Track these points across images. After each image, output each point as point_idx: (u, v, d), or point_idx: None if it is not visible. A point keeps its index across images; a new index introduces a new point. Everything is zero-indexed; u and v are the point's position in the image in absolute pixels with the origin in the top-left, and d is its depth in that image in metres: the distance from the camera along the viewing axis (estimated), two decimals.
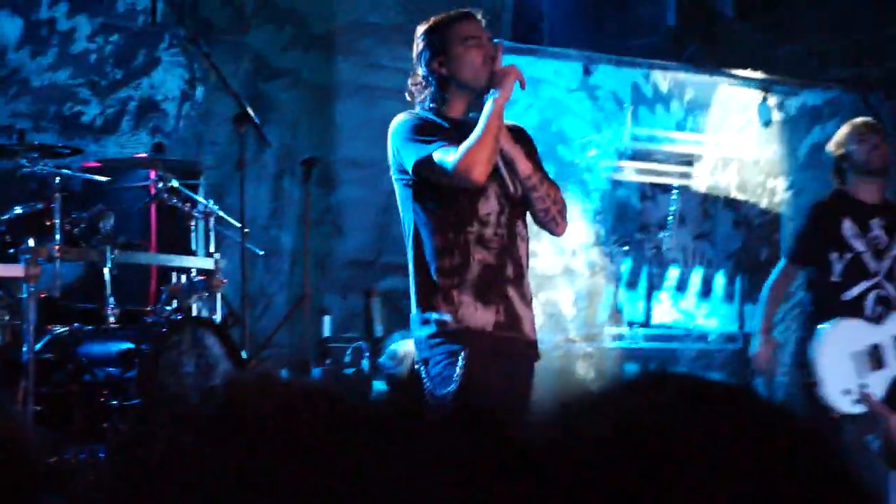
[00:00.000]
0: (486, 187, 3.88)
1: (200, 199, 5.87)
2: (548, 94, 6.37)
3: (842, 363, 5.33)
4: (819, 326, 5.34)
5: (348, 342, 6.95)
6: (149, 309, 5.61)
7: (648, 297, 6.47)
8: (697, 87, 6.77)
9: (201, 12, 7.29)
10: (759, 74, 6.92)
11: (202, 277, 5.68)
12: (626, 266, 6.45)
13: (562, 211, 3.99)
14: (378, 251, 7.77)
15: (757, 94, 6.88)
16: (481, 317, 3.84)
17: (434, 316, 3.85)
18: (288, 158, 7.41)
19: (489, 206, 3.90)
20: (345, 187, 7.78)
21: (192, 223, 5.85)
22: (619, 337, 6.35)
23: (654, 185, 6.58)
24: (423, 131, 3.90)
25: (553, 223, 3.99)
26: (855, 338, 5.38)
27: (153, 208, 5.96)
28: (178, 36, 7.21)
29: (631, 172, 6.55)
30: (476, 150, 3.75)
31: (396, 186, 4.02)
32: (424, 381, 3.92)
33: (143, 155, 5.99)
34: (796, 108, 6.92)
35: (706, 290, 6.56)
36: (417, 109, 4.06)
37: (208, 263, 5.65)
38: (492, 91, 3.89)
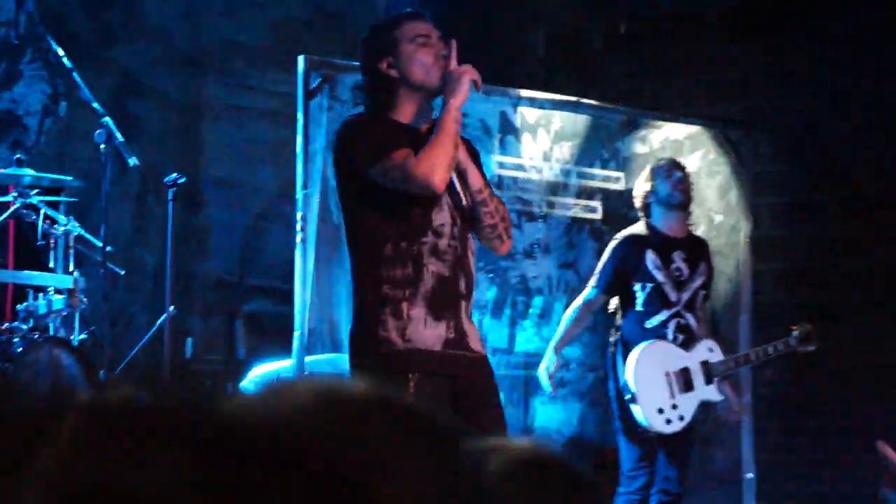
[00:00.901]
0: (439, 197, 3.74)
1: (61, 216, 5.75)
2: None
3: (657, 380, 5.61)
4: (637, 345, 5.61)
5: (210, 364, 6.86)
6: (4, 328, 5.48)
7: (512, 324, 6.51)
8: (565, 118, 6.86)
9: (67, 26, 7.16)
10: (624, 107, 7.04)
11: (61, 296, 5.57)
12: (490, 294, 6.49)
13: (508, 229, 3.91)
14: (243, 273, 7.70)
15: (622, 127, 7.00)
16: (431, 334, 3.68)
17: (380, 333, 3.66)
18: (153, 177, 7.30)
19: (442, 216, 3.76)
20: (210, 208, 7.70)
21: (52, 241, 5.73)
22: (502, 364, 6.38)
23: (520, 214, 6.63)
24: (376, 135, 3.74)
25: (499, 240, 3.89)
26: (668, 359, 5.69)
27: (11, 225, 5.82)
28: (41, 49, 7.06)
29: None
30: (436, 155, 3.62)
31: (341, 191, 3.86)
32: None
33: (2, 170, 5.85)
34: (660, 141, 7.05)
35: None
36: (364, 112, 3.91)
37: (67, 282, 5.54)
38: (446, 93, 3.76)
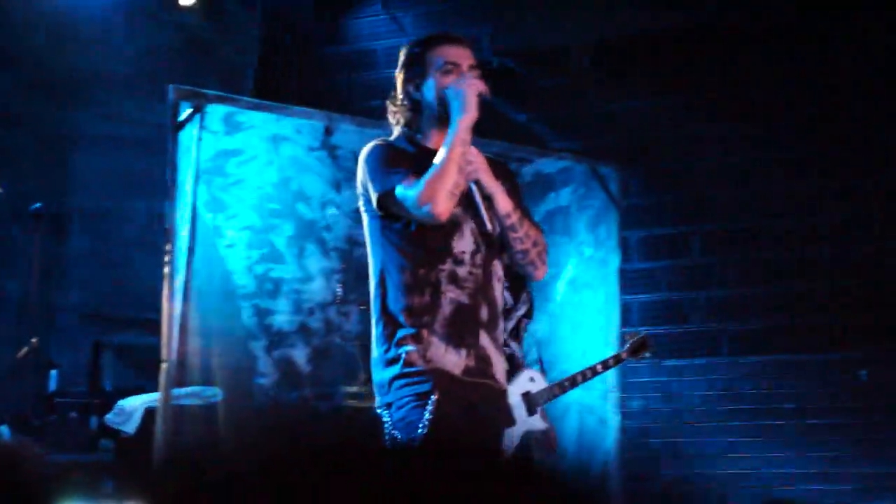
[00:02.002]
0: (461, 223, 3.65)
1: None
2: (289, 152, 6.36)
3: None
4: None
5: (75, 397, 6.73)
6: None
7: None
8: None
9: None
10: (496, 141, 7.09)
11: None
12: (362, 326, 6.47)
13: (541, 254, 3.77)
14: (111, 304, 7.56)
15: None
16: (450, 360, 3.60)
17: (402, 354, 3.60)
18: (18, 206, 7.15)
19: (464, 243, 3.67)
20: (77, 238, 7.56)
21: None
22: (354, 395, 6.35)
23: None
24: (390, 161, 3.67)
25: (532, 266, 3.77)
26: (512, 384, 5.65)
27: None
28: None
29: None
30: (436, 181, 3.51)
31: (364, 218, 3.79)
32: (385, 425, 3.61)
33: None
34: (531, 174, 7.11)
35: None
36: (394, 135, 3.81)
37: None
38: (452, 112, 3.62)
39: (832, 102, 7.01)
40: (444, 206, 3.52)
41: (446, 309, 3.62)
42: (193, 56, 7.70)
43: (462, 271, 3.64)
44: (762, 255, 7.12)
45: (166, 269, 5.63)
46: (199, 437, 5.80)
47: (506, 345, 5.84)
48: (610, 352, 6.47)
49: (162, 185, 5.69)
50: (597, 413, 6.93)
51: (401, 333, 3.61)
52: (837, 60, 6.98)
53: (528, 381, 5.86)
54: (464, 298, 3.64)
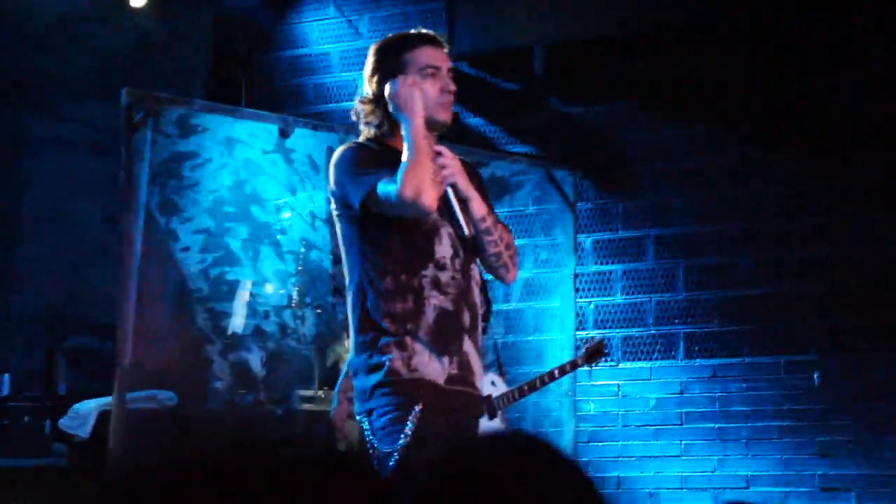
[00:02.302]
0: (438, 229, 3.58)
1: None
2: (243, 154, 6.36)
3: None
4: None
5: (29, 401, 6.68)
6: None
7: (338, 360, 6.49)
8: None
9: None
10: (451, 144, 7.09)
11: None
12: (317, 329, 6.46)
13: (513, 257, 3.72)
14: (65, 308, 7.52)
15: None
16: (434, 368, 3.52)
17: (386, 361, 3.49)
18: None
19: (443, 248, 3.59)
20: (31, 241, 7.51)
21: None
22: (309, 399, 6.35)
23: None
24: (366, 163, 3.54)
25: (504, 269, 3.71)
26: None
27: None
28: None
29: (325, 236, 6.59)
30: (417, 174, 3.41)
31: (339, 223, 3.65)
32: (366, 433, 3.50)
33: None
34: (486, 178, 7.11)
35: None
36: (363, 137, 3.67)
37: None
38: (400, 118, 3.52)
39: (788, 106, 7.06)
40: (431, 196, 3.43)
41: (430, 315, 3.54)
42: (147, 59, 7.66)
43: (445, 276, 3.58)
44: (716, 258, 7.17)
45: (121, 273, 5.60)
46: (153, 441, 5.78)
47: None
48: (566, 355, 6.49)
49: (116, 188, 5.66)
50: (552, 416, 6.96)
51: (384, 340, 3.50)
52: (794, 62, 7.04)
53: (490, 385, 5.88)
54: (447, 304, 3.57)
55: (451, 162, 3.64)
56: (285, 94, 7.89)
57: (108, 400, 5.72)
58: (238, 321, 6.18)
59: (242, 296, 6.20)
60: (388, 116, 3.59)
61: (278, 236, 6.42)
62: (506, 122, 7.59)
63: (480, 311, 3.71)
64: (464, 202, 3.60)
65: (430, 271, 3.55)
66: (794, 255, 7.00)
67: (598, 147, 7.43)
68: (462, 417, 3.59)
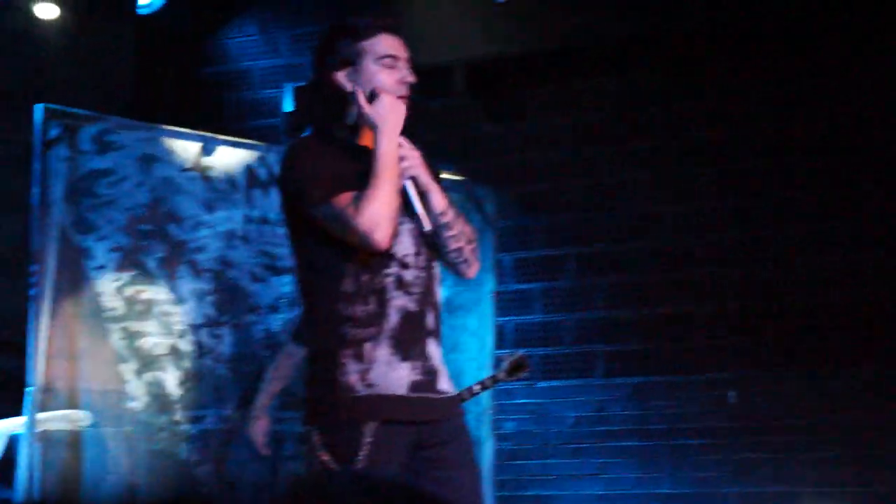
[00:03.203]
0: (398, 225, 3.35)
1: None
2: (161, 172, 6.29)
3: None
4: None
5: None
6: None
7: (256, 379, 6.44)
8: None
9: None
10: None
11: None
12: (234, 348, 6.41)
13: (475, 251, 3.53)
14: None
15: None
16: (396, 377, 3.31)
17: (339, 374, 3.28)
18: None
19: (404, 246, 3.38)
20: None
21: None
22: (225, 419, 6.29)
23: (265, 268, 6.59)
24: (322, 166, 3.32)
25: (465, 264, 3.51)
26: None
27: None
28: None
29: (243, 254, 6.54)
30: (377, 206, 3.21)
31: (288, 221, 3.43)
32: (316, 448, 3.31)
33: None
34: None
35: None
36: (311, 130, 3.46)
37: None
38: (374, 131, 3.31)
39: (707, 124, 7.13)
40: (385, 234, 3.25)
41: (394, 318, 3.33)
42: (65, 73, 7.57)
43: (409, 275, 3.37)
44: (635, 277, 7.22)
45: (33, 291, 5.52)
46: (66, 463, 5.69)
47: None
48: (486, 374, 6.48)
49: (28, 204, 5.58)
50: (471, 435, 6.94)
51: (339, 351, 3.30)
52: (715, 80, 7.11)
53: None
54: (411, 305, 3.36)
55: (412, 153, 3.46)
56: (205, 111, 7.84)
57: (17, 421, 5.63)
58: (153, 340, 6.11)
59: (156, 314, 6.13)
60: (345, 109, 3.40)
61: (195, 255, 6.35)
62: (427, 140, 7.58)
63: (440, 311, 3.50)
64: (424, 196, 3.42)
65: (393, 270, 3.35)
66: (712, 274, 7.06)
67: (519, 165, 7.46)
68: (428, 426, 3.39)
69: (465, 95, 7.46)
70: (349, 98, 3.40)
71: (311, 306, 3.40)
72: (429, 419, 3.40)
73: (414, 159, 3.45)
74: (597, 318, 7.30)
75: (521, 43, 7.30)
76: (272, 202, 6.69)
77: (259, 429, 5.90)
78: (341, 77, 3.40)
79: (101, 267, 5.99)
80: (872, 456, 6.61)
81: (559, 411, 7.25)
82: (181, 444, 6.16)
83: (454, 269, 3.53)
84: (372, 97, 3.39)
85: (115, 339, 6.00)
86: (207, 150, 6.47)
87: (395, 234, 3.34)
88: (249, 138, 6.75)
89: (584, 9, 7.10)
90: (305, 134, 3.51)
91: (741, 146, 7.05)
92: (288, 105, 7.79)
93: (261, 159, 6.69)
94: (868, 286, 6.75)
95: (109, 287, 6.01)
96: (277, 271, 6.64)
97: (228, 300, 6.42)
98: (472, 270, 3.54)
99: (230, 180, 6.55)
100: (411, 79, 3.46)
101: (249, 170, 6.66)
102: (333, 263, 3.33)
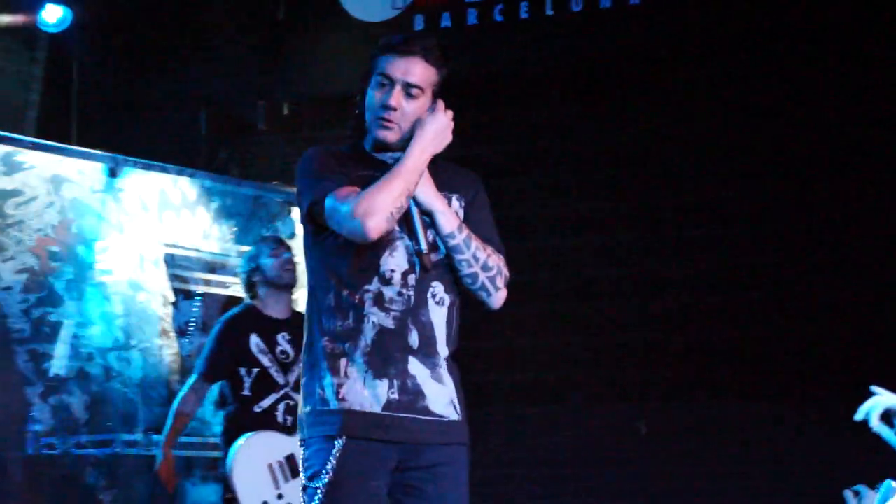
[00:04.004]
0: (394, 241, 3.28)
1: None
2: (71, 193, 6.21)
3: (258, 475, 5.55)
4: (235, 442, 5.56)
5: None
6: None
7: (164, 403, 6.37)
8: (225, 196, 6.82)
9: None
10: (285, 188, 7.07)
11: None
12: (143, 371, 6.33)
13: (495, 279, 3.38)
14: None
15: (284, 206, 7.02)
16: (370, 394, 3.23)
17: (317, 389, 3.27)
18: None
19: (395, 261, 3.29)
20: None
21: None
22: (133, 444, 6.21)
23: (177, 291, 6.53)
24: (324, 167, 3.28)
25: (484, 292, 3.38)
26: (271, 449, 5.66)
27: None
28: None
29: (154, 277, 6.47)
30: (377, 197, 3.16)
31: (304, 231, 3.38)
32: (301, 463, 3.30)
33: None
34: None
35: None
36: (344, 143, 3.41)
37: None
38: (415, 134, 3.27)
39: (611, 156, 7.21)
40: (377, 225, 3.16)
41: (368, 335, 3.26)
42: None
43: (389, 292, 3.28)
44: (543, 306, 7.26)
45: None
46: None
47: (289, 398, 5.82)
48: None
49: None
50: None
51: (320, 364, 3.28)
52: (589, 112, 7.21)
53: None
54: (388, 322, 3.27)
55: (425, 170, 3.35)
56: (115, 132, 7.75)
57: None
58: (60, 363, 6.01)
59: (64, 337, 6.04)
60: (361, 124, 3.36)
61: (105, 277, 6.28)
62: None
63: (443, 332, 3.34)
64: (430, 216, 3.32)
65: (373, 286, 3.28)
66: (621, 307, 7.12)
67: None
68: (411, 447, 3.27)
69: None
70: (361, 112, 3.37)
71: (307, 318, 3.38)
72: (406, 441, 3.28)
73: (425, 178, 3.35)
74: (502, 347, 7.31)
75: None
76: (185, 225, 6.63)
77: (165, 467, 5.82)
78: (359, 95, 3.37)
79: (8, 288, 5.90)
80: (780, 485, 6.69)
81: None
82: (87, 468, 6.07)
83: (476, 296, 3.41)
84: (432, 107, 3.37)
85: (21, 361, 5.90)
86: (118, 172, 6.41)
87: (388, 247, 3.28)
88: (159, 160, 6.69)
89: (475, 44, 7.21)
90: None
91: (646, 180, 7.14)
92: (201, 127, 7.75)
93: (174, 182, 6.63)
94: (769, 322, 6.85)
95: (16, 308, 5.91)
96: (188, 295, 6.59)
97: (137, 323, 6.34)
98: (494, 300, 3.41)
99: (142, 202, 6.48)
100: (391, 102, 3.30)
101: (162, 192, 6.61)
102: (324, 277, 3.31)
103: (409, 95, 3.33)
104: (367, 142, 3.39)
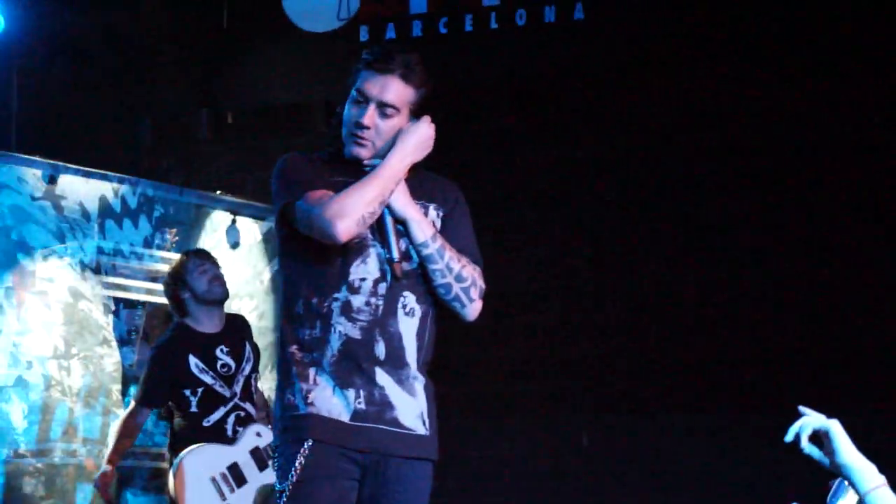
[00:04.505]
0: (366, 248, 3.26)
1: None
2: (10, 200, 6.14)
3: (203, 490, 5.53)
4: (176, 459, 5.53)
5: None
6: None
7: (106, 413, 6.30)
8: (168, 205, 6.78)
9: None
10: (229, 197, 7.03)
11: None
12: (84, 381, 6.26)
13: (468, 290, 3.36)
14: None
15: (226, 217, 6.98)
16: (337, 403, 3.20)
17: (289, 395, 3.25)
18: None
19: (365, 270, 3.25)
20: None
21: None
22: (73, 453, 6.14)
23: (118, 300, 6.47)
24: (302, 171, 3.27)
25: (458, 304, 3.36)
26: (213, 463, 5.63)
27: None
28: None
29: (95, 286, 6.41)
30: (350, 200, 3.13)
31: (278, 236, 3.38)
32: (275, 471, 3.27)
33: None
34: (263, 233, 7.08)
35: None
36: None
37: None
38: (397, 141, 3.27)
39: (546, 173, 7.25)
40: (347, 228, 3.12)
41: (335, 344, 3.23)
42: None
43: (357, 301, 3.24)
44: (493, 318, 7.28)
45: None
46: None
47: (239, 408, 5.78)
48: None
49: None
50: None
51: (291, 371, 3.26)
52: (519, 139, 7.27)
53: (255, 437, 5.80)
54: (354, 332, 3.23)
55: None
56: (56, 139, 7.68)
57: None
58: None
59: (3, 345, 5.96)
60: (339, 134, 3.36)
61: (45, 285, 6.21)
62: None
63: (413, 343, 3.32)
64: (404, 224, 3.31)
65: (342, 294, 3.24)
66: (566, 318, 7.15)
67: None
68: (374, 457, 3.25)
69: (324, 131, 7.46)
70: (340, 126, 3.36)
71: (280, 326, 3.37)
72: (372, 451, 3.26)
73: (401, 186, 3.34)
74: (448, 358, 7.31)
75: None
76: (126, 233, 6.58)
77: (106, 479, 5.78)
78: (339, 105, 3.39)
79: None
80: (721, 498, 6.73)
81: None
82: (25, 477, 5.99)
83: (450, 306, 3.38)
84: (415, 120, 3.38)
85: None
86: (58, 179, 6.34)
87: (360, 255, 3.26)
88: (104, 169, 6.63)
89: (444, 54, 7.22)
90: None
91: (590, 194, 7.19)
92: (145, 135, 7.71)
93: (115, 191, 6.58)
94: (718, 333, 6.91)
95: None
96: (130, 304, 6.53)
97: (78, 332, 6.28)
98: (468, 311, 3.40)
99: (83, 210, 6.42)
100: (364, 121, 3.29)
101: (103, 200, 6.55)
102: (295, 284, 3.29)
103: (383, 115, 3.32)
104: (346, 151, 3.36)
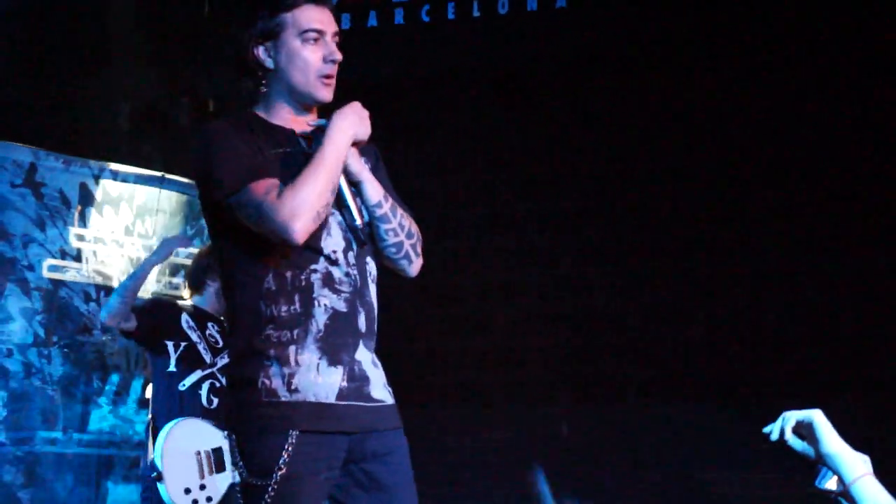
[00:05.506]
0: (326, 218, 3.02)
1: None
2: None
3: (187, 461, 5.51)
4: (167, 425, 5.52)
5: None
6: None
7: (86, 402, 6.28)
8: (149, 193, 6.75)
9: None
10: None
11: None
12: (64, 369, 6.24)
13: (416, 245, 3.23)
14: None
15: None
16: (323, 383, 3.00)
17: (262, 377, 2.99)
18: None
19: (333, 241, 3.06)
20: None
21: None
22: (53, 441, 6.12)
23: (98, 288, 6.45)
24: (235, 148, 2.99)
25: (406, 260, 3.21)
26: (200, 438, 5.59)
27: None
28: None
29: (75, 273, 6.39)
30: (302, 195, 2.92)
31: (206, 213, 3.11)
32: (234, 453, 3.03)
33: None
34: None
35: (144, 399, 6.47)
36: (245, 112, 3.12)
37: None
38: (335, 115, 3.06)
39: (526, 165, 7.25)
40: (304, 226, 2.92)
41: (320, 319, 3.03)
42: None
43: (338, 273, 3.05)
44: (471, 309, 7.27)
45: None
46: None
47: (216, 378, 5.76)
48: None
49: None
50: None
51: (263, 352, 3.01)
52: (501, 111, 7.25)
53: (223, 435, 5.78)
54: (340, 305, 3.05)
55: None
56: (37, 127, 7.64)
57: None
58: None
59: None
60: (265, 87, 3.11)
61: (25, 273, 6.18)
62: None
63: (376, 310, 3.17)
64: (357, 186, 3.14)
65: (321, 266, 3.04)
66: (544, 309, 7.15)
67: None
68: (359, 437, 3.07)
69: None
70: (268, 75, 3.11)
71: (233, 305, 3.09)
72: (357, 430, 3.08)
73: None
74: (426, 348, 7.31)
75: (363, 76, 7.34)
76: (107, 220, 6.55)
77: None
78: (261, 52, 3.09)
79: None
80: (698, 487, 6.75)
81: None
82: (5, 466, 5.97)
83: (394, 265, 3.23)
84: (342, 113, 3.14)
85: None
86: (39, 167, 6.31)
87: (323, 227, 3.04)
88: (84, 156, 6.60)
89: (402, 44, 7.23)
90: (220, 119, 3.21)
91: (569, 182, 7.19)
92: (124, 123, 7.66)
93: (95, 178, 6.55)
94: (699, 322, 6.93)
95: None
96: (111, 291, 6.51)
97: (58, 319, 6.26)
98: (414, 267, 3.25)
99: (63, 197, 6.40)
100: (338, 56, 3.11)
101: (84, 187, 6.52)
102: (256, 258, 3.04)
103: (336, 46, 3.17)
104: (265, 108, 3.14)
